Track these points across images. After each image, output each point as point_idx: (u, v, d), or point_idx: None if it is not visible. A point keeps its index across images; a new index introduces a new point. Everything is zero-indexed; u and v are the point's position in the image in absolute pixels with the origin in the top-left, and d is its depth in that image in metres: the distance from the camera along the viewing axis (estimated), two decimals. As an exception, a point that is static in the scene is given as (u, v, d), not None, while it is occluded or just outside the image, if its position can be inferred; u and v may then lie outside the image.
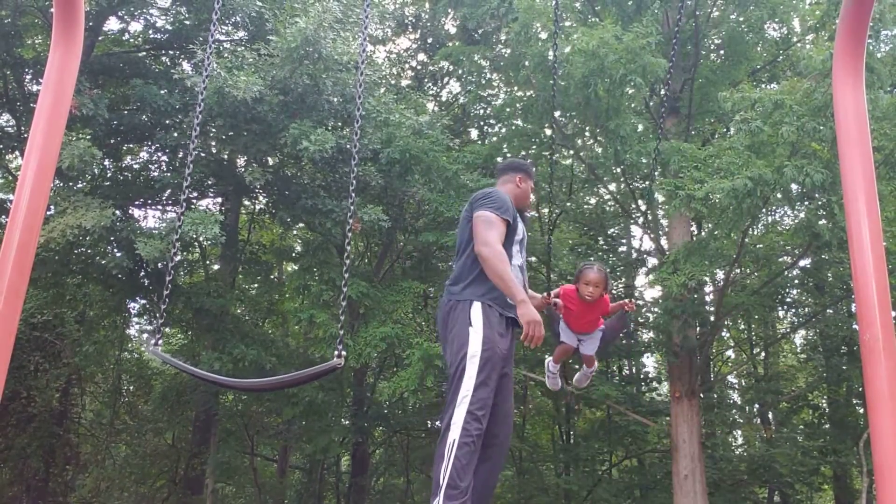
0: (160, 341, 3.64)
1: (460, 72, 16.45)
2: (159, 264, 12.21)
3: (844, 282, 14.36)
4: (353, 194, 3.75)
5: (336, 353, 3.39)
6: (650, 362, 19.89)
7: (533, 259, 16.63)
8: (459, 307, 3.69)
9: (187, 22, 13.50)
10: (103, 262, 12.31)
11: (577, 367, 4.99)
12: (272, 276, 18.47)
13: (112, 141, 13.31)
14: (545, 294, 4.49)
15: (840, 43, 3.45)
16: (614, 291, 17.53)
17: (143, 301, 15.27)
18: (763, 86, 13.90)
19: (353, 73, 11.58)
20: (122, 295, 14.34)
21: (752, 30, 12.97)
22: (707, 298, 14.21)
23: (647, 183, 12.42)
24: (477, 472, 3.50)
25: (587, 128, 14.11)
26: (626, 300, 4.62)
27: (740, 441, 20.25)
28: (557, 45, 11.21)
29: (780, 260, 13.59)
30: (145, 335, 18.54)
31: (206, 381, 3.41)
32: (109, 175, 14.01)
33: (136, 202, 14.14)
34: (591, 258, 16.25)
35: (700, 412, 13.07)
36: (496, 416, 3.67)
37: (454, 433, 3.41)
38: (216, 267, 17.67)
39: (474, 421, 3.43)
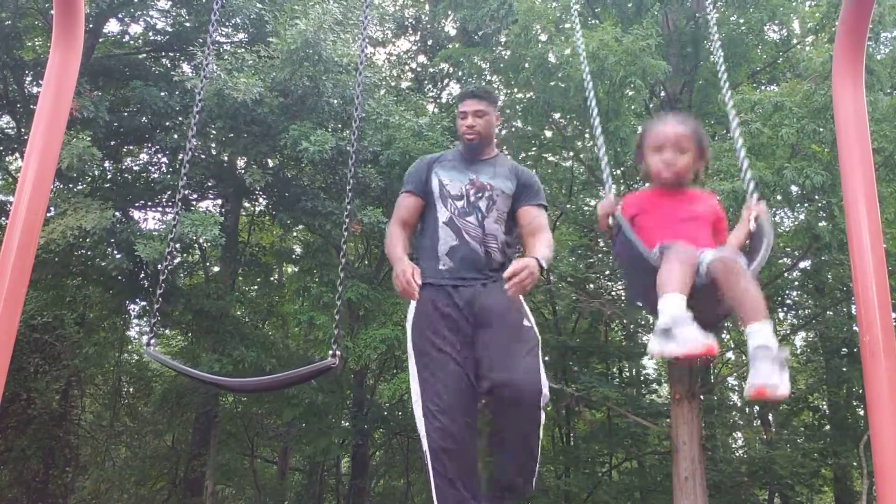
0: (153, 341, 3.63)
1: (460, 73, 16.44)
2: (159, 266, 12.22)
3: (844, 283, 14.36)
4: (350, 194, 3.68)
5: (331, 352, 3.28)
6: (650, 364, 19.89)
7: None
8: None
9: (187, 24, 13.51)
10: (103, 263, 12.31)
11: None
12: (272, 278, 18.47)
13: (112, 143, 13.32)
14: (606, 201, 2.74)
15: (840, 45, 3.44)
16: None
17: (144, 303, 15.25)
18: (763, 88, 13.90)
19: (353, 74, 11.58)
20: (122, 297, 14.34)
21: (751, 31, 12.97)
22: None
23: (647, 185, 12.42)
24: (495, 460, 3.21)
25: (587, 130, 14.11)
26: (751, 204, 2.76)
27: (741, 443, 20.25)
28: (558, 44, 11.23)
29: (780, 262, 13.59)
30: (144, 337, 18.53)
31: (201, 381, 3.40)
32: (109, 177, 14.02)
33: (136, 204, 14.15)
34: (592, 259, 16.26)
35: (700, 414, 13.06)
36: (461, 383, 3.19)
37: (423, 443, 3.18)
38: (216, 269, 17.66)
39: (433, 419, 3.14)
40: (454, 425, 3.12)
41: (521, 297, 3.20)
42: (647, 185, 2.68)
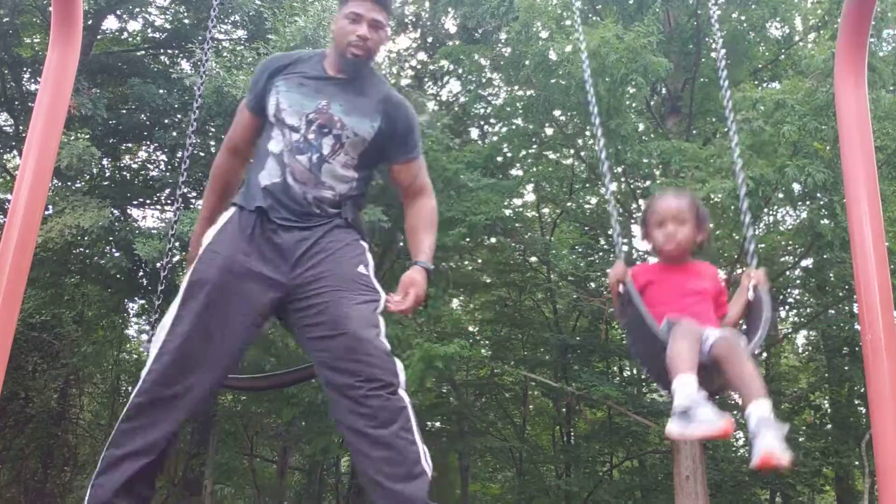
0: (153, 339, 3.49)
1: (460, 71, 16.42)
2: (158, 264, 12.20)
3: (846, 282, 14.33)
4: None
5: None
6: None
7: (533, 259, 16.65)
8: None
9: (186, 21, 13.49)
10: (102, 262, 12.31)
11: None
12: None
13: (110, 140, 13.31)
14: (617, 268, 2.69)
15: (842, 42, 3.42)
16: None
17: (142, 301, 15.25)
18: (765, 85, 13.88)
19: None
20: (120, 295, 14.34)
21: (753, 29, 12.94)
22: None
23: (647, 183, 12.41)
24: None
25: (588, 127, 14.09)
26: (748, 271, 2.84)
27: (742, 442, 20.22)
28: (559, 41, 11.20)
29: (782, 260, 13.58)
30: (143, 336, 18.51)
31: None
32: (108, 175, 14.01)
33: (135, 202, 14.14)
34: (593, 258, 16.25)
35: (701, 413, 13.03)
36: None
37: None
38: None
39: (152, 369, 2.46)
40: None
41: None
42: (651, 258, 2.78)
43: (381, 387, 2.43)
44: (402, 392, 2.51)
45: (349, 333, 2.46)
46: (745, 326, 2.85)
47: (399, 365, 2.56)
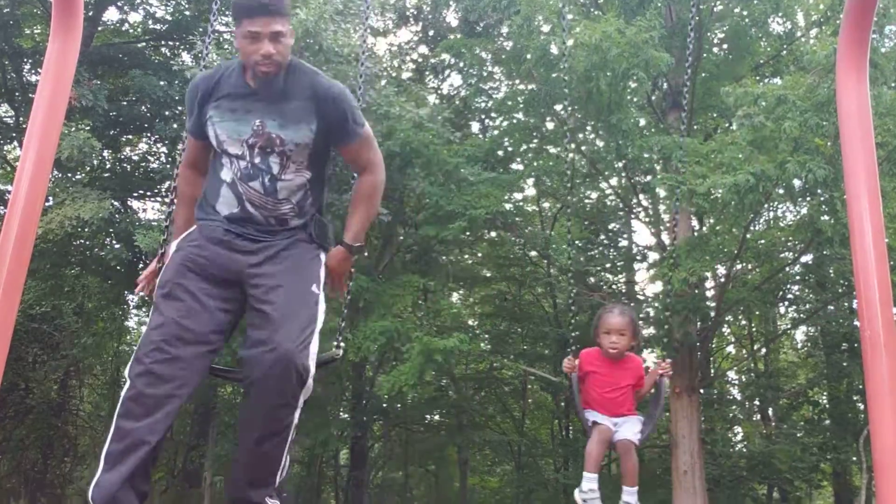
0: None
1: (461, 64, 16.38)
2: (158, 251, 12.19)
3: (846, 278, 14.33)
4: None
5: (335, 344, 3.27)
6: (650, 358, 19.86)
7: (533, 254, 16.64)
8: None
9: (187, 12, 13.48)
10: (102, 253, 12.32)
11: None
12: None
13: (111, 132, 13.30)
14: (568, 359, 3.81)
15: (844, 38, 3.41)
16: (617, 285, 17.53)
17: (143, 293, 15.25)
18: (766, 81, 13.84)
19: (353, 65, 11.54)
20: (120, 287, 14.34)
21: (755, 24, 12.91)
22: (708, 294, 14.19)
23: (648, 178, 12.39)
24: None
25: (589, 122, 14.06)
26: (659, 364, 3.82)
27: (740, 437, 20.26)
28: (561, 36, 11.18)
29: (782, 256, 13.56)
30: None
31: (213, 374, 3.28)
32: (108, 166, 14.00)
33: (135, 194, 14.14)
34: (593, 252, 16.24)
35: (700, 408, 13.06)
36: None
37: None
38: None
39: (136, 364, 2.57)
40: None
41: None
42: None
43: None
44: None
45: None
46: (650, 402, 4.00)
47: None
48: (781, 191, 10.49)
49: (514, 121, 15.33)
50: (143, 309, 16.84)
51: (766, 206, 12.10)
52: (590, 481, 3.67)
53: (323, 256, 2.85)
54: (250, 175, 2.70)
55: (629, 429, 3.66)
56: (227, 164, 2.74)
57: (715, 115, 14.37)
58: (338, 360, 3.31)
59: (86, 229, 11.68)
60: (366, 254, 16.44)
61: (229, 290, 2.71)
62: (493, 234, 16.18)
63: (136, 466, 2.48)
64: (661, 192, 13.10)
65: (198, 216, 2.81)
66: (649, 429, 3.77)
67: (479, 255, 18.12)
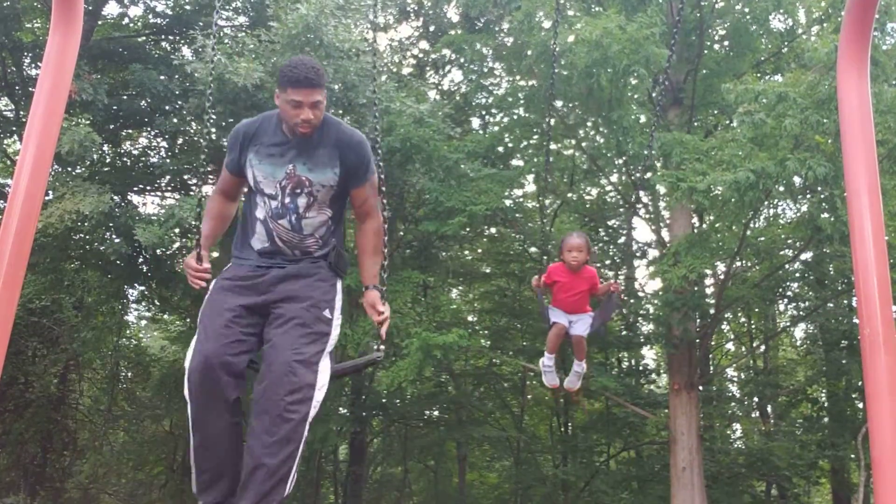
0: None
1: (462, 60, 16.37)
2: (158, 250, 12.20)
3: (845, 276, 14.34)
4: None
5: (375, 346, 3.40)
6: (649, 354, 19.91)
7: (533, 250, 16.64)
8: None
9: (187, 6, 13.44)
10: (102, 247, 12.31)
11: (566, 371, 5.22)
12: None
13: (111, 126, 13.28)
14: (535, 277, 4.69)
15: (845, 35, 3.41)
16: (618, 278, 17.53)
17: (142, 287, 15.26)
18: (767, 78, 13.84)
19: (354, 60, 11.52)
20: (120, 281, 14.35)
21: (756, 21, 12.90)
22: (707, 291, 14.20)
23: (648, 175, 12.38)
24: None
25: (589, 118, 14.06)
26: (612, 282, 4.84)
27: (739, 434, 20.30)
28: (562, 31, 11.17)
29: (782, 253, 13.57)
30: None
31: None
32: (108, 160, 13.99)
33: (135, 188, 14.13)
34: (595, 252, 16.23)
35: (699, 405, 13.08)
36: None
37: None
38: (215, 254, 17.64)
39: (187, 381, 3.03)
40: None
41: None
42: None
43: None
44: None
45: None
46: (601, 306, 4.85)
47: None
48: (781, 188, 10.50)
49: (515, 117, 15.33)
50: (143, 304, 16.87)
51: (766, 203, 12.11)
52: (548, 359, 4.91)
53: (339, 284, 3.27)
54: (279, 214, 3.15)
55: (581, 326, 4.67)
56: (262, 203, 3.18)
57: (716, 111, 14.36)
58: (379, 361, 3.46)
59: (86, 223, 11.67)
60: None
61: (254, 317, 3.11)
62: (493, 230, 16.18)
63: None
64: (662, 189, 13.10)
65: (234, 253, 3.29)
66: (598, 323, 4.73)
67: (479, 250, 18.13)
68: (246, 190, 3.36)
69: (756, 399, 18.62)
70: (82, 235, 13.06)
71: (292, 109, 3.03)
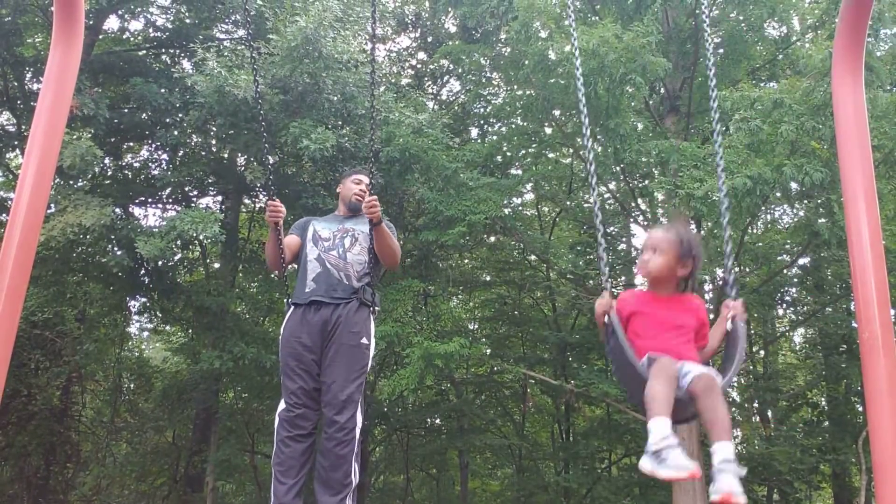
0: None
1: (460, 70, 16.44)
2: (160, 262, 12.22)
3: (844, 280, 14.37)
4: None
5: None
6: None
7: (532, 258, 16.68)
8: None
9: (187, 20, 13.51)
10: (104, 260, 12.32)
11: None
12: (272, 275, 18.47)
13: (112, 139, 13.33)
14: (600, 300, 2.84)
15: (839, 41, 3.45)
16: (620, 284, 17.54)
17: (144, 299, 15.27)
18: (762, 85, 13.89)
19: (353, 71, 11.57)
20: (122, 293, 14.36)
21: (751, 29, 12.96)
22: (706, 297, 14.22)
23: (646, 182, 12.42)
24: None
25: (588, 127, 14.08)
26: (730, 300, 3.01)
27: (739, 439, 20.25)
28: (559, 41, 11.23)
29: (780, 258, 13.61)
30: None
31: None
32: (110, 173, 14.03)
33: (137, 201, 14.16)
34: (591, 255, 16.25)
35: (699, 410, 13.05)
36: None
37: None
38: (216, 265, 17.67)
39: (283, 411, 4.20)
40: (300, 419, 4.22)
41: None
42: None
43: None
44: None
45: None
46: (723, 353, 3.00)
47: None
48: (779, 194, 10.54)
49: (513, 126, 15.38)
50: (145, 315, 16.87)
51: (763, 209, 12.14)
52: (662, 426, 2.44)
53: (373, 316, 4.38)
54: (330, 248, 4.42)
55: (705, 369, 2.66)
56: (315, 246, 4.43)
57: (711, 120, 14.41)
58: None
59: (87, 236, 11.69)
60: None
61: (313, 355, 4.24)
62: (493, 238, 16.20)
63: None
64: (659, 196, 13.14)
65: (292, 301, 4.38)
66: (729, 377, 2.76)
67: (479, 259, 18.14)
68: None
69: (756, 404, 18.61)
70: (84, 248, 13.07)
71: (355, 185, 4.67)
